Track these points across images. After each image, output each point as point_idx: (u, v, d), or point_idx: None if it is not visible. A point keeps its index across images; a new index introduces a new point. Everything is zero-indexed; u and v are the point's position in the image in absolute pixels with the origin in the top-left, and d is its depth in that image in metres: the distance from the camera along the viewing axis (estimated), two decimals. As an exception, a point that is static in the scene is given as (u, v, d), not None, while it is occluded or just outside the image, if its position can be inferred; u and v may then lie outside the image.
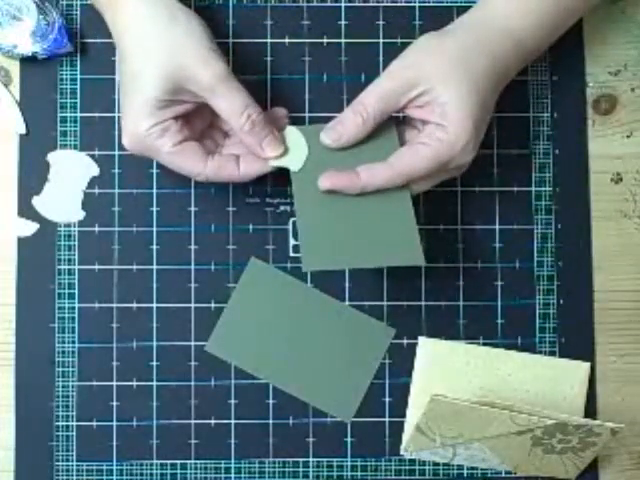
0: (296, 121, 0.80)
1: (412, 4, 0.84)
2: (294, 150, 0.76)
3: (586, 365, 0.83)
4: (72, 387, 0.81)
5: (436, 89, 0.73)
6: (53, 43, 0.79)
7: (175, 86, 0.72)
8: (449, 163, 0.74)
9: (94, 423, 0.81)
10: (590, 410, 0.83)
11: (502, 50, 0.75)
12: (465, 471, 0.83)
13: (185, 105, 0.73)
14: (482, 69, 0.74)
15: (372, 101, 0.73)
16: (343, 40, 0.84)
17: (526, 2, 0.75)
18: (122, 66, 0.73)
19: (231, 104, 0.73)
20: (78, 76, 0.82)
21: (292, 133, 0.76)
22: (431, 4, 0.84)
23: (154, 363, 0.81)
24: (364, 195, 0.74)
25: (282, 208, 0.83)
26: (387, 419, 0.82)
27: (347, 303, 0.82)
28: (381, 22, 0.84)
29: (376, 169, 0.73)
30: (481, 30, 0.75)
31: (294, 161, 0.76)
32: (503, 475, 0.82)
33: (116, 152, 0.82)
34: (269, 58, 0.83)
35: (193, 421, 0.81)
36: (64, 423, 0.81)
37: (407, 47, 0.75)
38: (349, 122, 0.74)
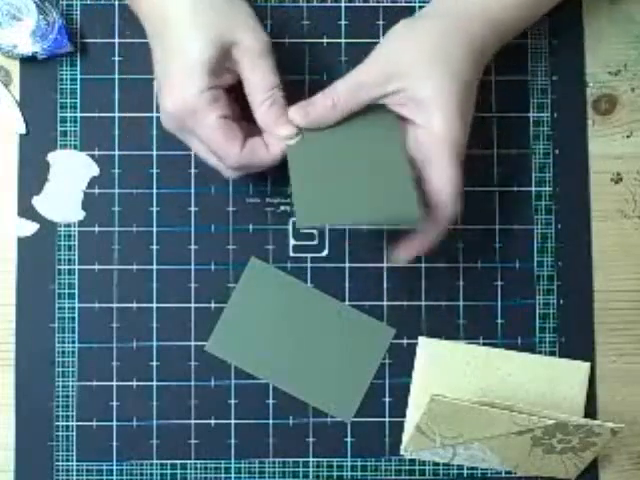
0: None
1: (412, 4, 0.84)
2: None
3: (586, 365, 0.83)
4: (72, 387, 0.81)
5: (415, 86, 0.72)
6: (53, 43, 0.79)
7: (224, 51, 0.71)
8: (445, 157, 0.73)
9: (94, 423, 0.81)
10: (590, 410, 0.83)
11: (481, 35, 0.73)
12: (465, 471, 0.83)
13: (233, 75, 0.72)
14: (461, 57, 0.72)
15: (344, 89, 0.73)
16: (343, 40, 0.84)
17: None
18: (164, 36, 0.71)
19: (263, 78, 0.72)
20: (78, 76, 0.82)
21: None
22: (431, 4, 0.84)
23: (154, 363, 0.81)
24: (359, 151, 0.74)
25: (282, 208, 0.83)
26: (387, 419, 0.82)
27: (347, 303, 0.82)
28: (381, 22, 0.84)
29: None
30: (458, 14, 0.73)
31: None
32: (503, 475, 0.83)
33: (116, 152, 0.82)
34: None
35: (193, 421, 0.81)
36: (64, 423, 0.81)
37: (385, 35, 0.75)
38: (319, 103, 0.73)
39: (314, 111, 0.73)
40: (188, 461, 0.81)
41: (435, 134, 0.72)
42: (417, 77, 0.72)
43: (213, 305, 0.82)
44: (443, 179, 0.73)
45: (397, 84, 0.72)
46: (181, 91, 0.71)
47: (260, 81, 0.72)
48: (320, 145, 0.74)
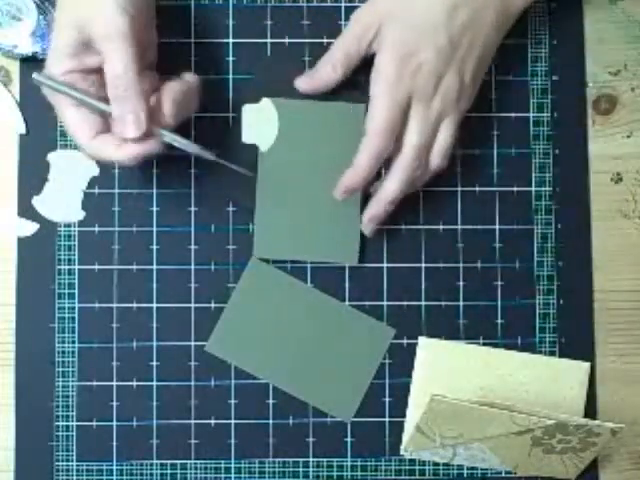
0: (296, 121, 0.80)
1: (412, 4, 0.84)
2: (265, 127, 0.80)
3: (586, 365, 0.83)
4: (72, 387, 0.81)
5: (383, 27, 0.76)
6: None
7: (82, 36, 0.71)
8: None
9: (94, 423, 0.81)
10: (590, 410, 0.83)
11: None
12: (465, 471, 0.83)
13: (93, 58, 0.72)
14: (427, 6, 0.76)
15: (339, 46, 0.78)
16: (343, 40, 0.83)
17: None
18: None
19: (115, 63, 0.71)
20: (78, 76, 0.82)
21: (266, 107, 0.79)
22: (431, 4, 0.84)
23: (154, 363, 0.81)
24: (320, 189, 0.80)
25: (282, 208, 0.83)
26: (387, 419, 0.82)
27: (347, 303, 0.82)
28: (381, 22, 0.84)
29: None
30: None
31: (264, 139, 0.79)
32: (503, 475, 0.83)
33: (116, 152, 0.82)
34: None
35: (193, 421, 0.81)
36: (64, 423, 0.81)
37: None
38: (321, 69, 0.79)
39: (318, 76, 0.79)
40: (188, 461, 0.81)
41: (374, 69, 0.77)
42: (385, 21, 0.76)
43: (213, 305, 0.82)
44: (372, 109, 0.76)
45: (373, 30, 0.76)
46: (47, 70, 0.73)
47: (112, 66, 0.71)
48: (286, 176, 0.81)
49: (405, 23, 0.76)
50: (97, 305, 0.81)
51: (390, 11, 0.76)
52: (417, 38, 0.75)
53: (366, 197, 0.81)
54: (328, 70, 0.78)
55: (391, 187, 0.77)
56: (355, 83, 0.80)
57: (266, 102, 0.81)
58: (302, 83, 0.80)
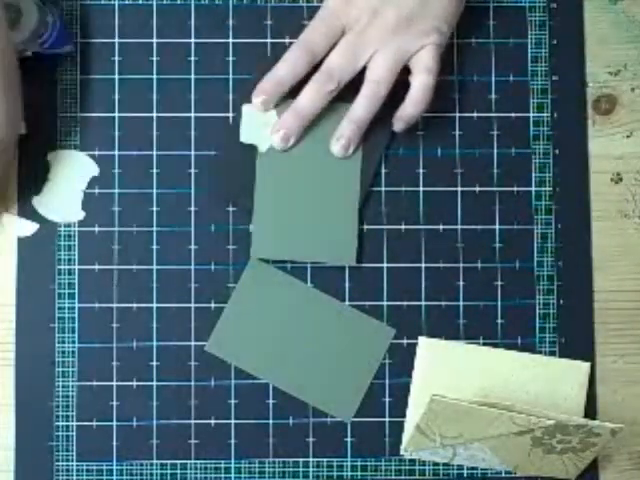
0: (296, 121, 0.80)
1: (412, 4, 0.84)
2: (264, 127, 0.80)
3: (586, 365, 0.83)
4: (72, 387, 0.81)
5: None
6: (53, 42, 0.79)
7: None
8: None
9: (94, 423, 0.81)
10: (590, 410, 0.83)
11: None
12: (465, 471, 0.83)
13: None
14: None
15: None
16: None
17: None
18: None
19: None
20: (78, 76, 0.82)
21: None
22: (431, 4, 0.84)
23: (154, 363, 0.81)
24: (318, 190, 0.81)
25: (282, 208, 0.83)
26: (387, 419, 0.82)
27: (347, 303, 0.82)
28: (381, 22, 0.84)
29: None
30: None
31: (263, 139, 0.80)
32: (503, 475, 0.82)
33: (116, 152, 0.82)
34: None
35: (193, 421, 0.81)
36: (64, 423, 0.81)
37: None
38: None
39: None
40: (188, 461, 0.81)
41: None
42: None
43: (213, 305, 0.82)
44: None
45: None
46: None
47: None
48: (285, 177, 0.81)
49: None
50: (97, 305, 0.81)
51: None
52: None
53: (366, 196, 0.81)
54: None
55: (301, 100, 0.79)
56: (354, 84, 0.80)
57: None
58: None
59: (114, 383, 0.81)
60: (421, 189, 0.82)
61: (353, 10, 0.77)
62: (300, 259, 0.81)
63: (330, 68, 0.78)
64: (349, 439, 0.82)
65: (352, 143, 0.80)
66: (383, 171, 0.82)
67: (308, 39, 0.78)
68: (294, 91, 0.79)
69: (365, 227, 0.82)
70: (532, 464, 0.81)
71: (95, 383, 0.81)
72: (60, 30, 0.79)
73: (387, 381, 0.82)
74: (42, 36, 0.79)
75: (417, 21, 0.77)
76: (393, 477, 0.82)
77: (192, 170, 0.82)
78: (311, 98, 0.79)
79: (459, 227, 0.83)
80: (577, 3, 0.85)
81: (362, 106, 0.79)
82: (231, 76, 0.83)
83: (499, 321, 0.83)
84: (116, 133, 0.82)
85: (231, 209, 0.82)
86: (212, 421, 0.81)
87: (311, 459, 0.82)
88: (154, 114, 0.82)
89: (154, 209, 0.82)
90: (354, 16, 0.78)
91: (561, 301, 0.83)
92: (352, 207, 0.81)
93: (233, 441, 0.81)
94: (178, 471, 0.81)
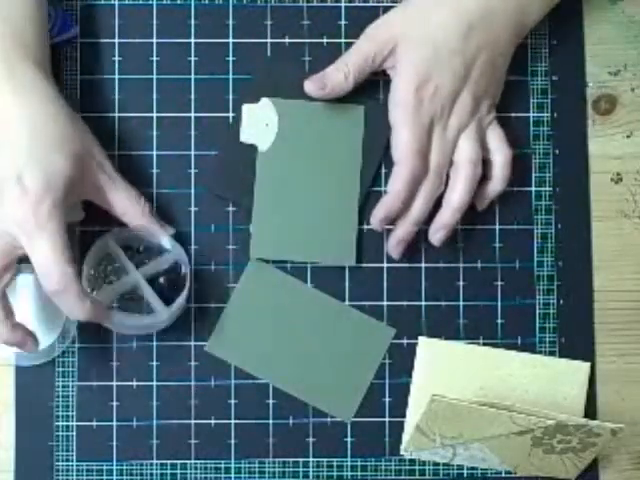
0: (296, 121, 0.80)
1: (412, 4, 0.84)
2: (264, 127, 0.80)
3: (586, 365, 0.83)
4: (72, 387, 0.81)
5: (397, 50, 0.77)
6: (60, 29, 0.79)
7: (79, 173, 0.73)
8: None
9: (94, 423, 0.81)
10: (590, 410, 0.83)
11: (466, 5, 0.77)
12: (465, 471, 0.83)
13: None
14: (444, 23, 0.76)
15: (353, 62, 0.78)
16: (343, 40, 0.84)
17: None
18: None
19: (129, 193, 0.77)
20: (78, 76, 0.82)
21: (266, 107, 0.79)
22: (431, 4, 0.84)
23: (154, 363, 0.81)
24: (319, 190, 0.81)
25: (282, 208, 0.83)
26: (387, 419, 0.82)
27: (347, 303, 0.82)
28: (381, 22, 0.84)
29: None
30: None
31: (263, 139, 0.80)
32: (503, 475, 0.83)
33: (116, 152, 0.82)
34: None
35: (193, 421, 0.81)
36: (64, 423, 0.81)
37: None
38: (333, 76, 0.79)
39: (329, 82, 0.78)
40: (188, 461, 0.81)
41: (392, 94, 0.79)
42: (400, 41, 0.77)
43: (213, 305, 0.82)
44: (396, 137, 0.78)
45: (390, 46, 0.77)
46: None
47: (128, 196, 0.77)
48: (285, 177, 0.81)
49: (420, 44, 0.77)
50: (97, 305, 0.81)
51: (405, 32, 0.77)
52: (432, 62, 0.76)
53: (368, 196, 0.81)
54: (340, 79, 0.78)
55: (418, 207, 0.79)
56: (366, 88, 0.81)
57: (265, 102, 0.81)
58: (312, 87, 0.79)
59: (114, 383, 0.81)
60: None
61: (437, 103, 0.77)
62: (300, 259, 0.81)
63: (438, 168, 0.78)
64: (349, 439, 0.82)
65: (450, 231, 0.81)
66: (383, 171, 0.82)
67: (415, 146, 0.77)
68: (300, 92, 0.79)
69: (365, 227, 0.82)
70: (532, 464, 0.81)
71: (95, 383, 0.81)
72: (63, 16, 0.80)
73: (387, 381, 0.82)
74: (52, 29, 0.79)
75: (485, 98, 0.79)
76: (393, 477, 0.82)
77: (192, 170, 0.82)
78: (425, 203, 0.79)
79: (459, 227, 0.83)
80: (577, 3, 0.85)
81: (465, 191, 0.79)
82: (231, 76, 0.83)
83: (499, 321, 0.83)
84: (116, 133, 0.82)
85: (231, 209, 0.82)
86: (212, 421, 0.81)
87: (311, 459, 0.82)
88: (154, 114, 0.82)
89: (154, 209, 0.82)
90: (438, 108, 0.77)
91: (561, 301, 0.83)
92: (352, 207, 0.81)
93: (233, 441, 0.81)
94: (178, 471, 0.81)
